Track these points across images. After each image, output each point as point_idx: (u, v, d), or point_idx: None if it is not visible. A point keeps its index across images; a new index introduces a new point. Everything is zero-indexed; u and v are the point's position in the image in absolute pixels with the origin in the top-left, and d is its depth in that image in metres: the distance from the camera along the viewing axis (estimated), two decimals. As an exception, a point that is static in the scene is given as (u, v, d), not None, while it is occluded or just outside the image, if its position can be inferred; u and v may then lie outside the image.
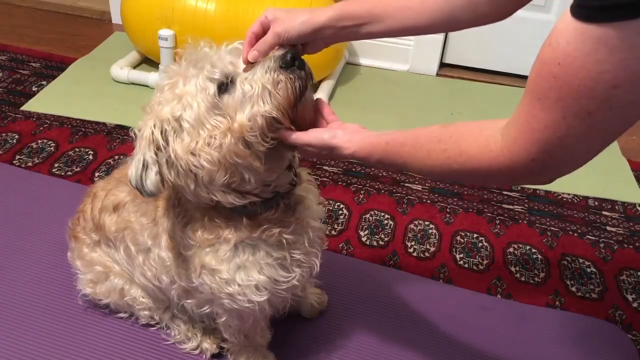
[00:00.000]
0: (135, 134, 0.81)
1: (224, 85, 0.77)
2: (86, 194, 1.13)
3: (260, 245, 0.87)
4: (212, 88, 0.76)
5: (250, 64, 0.79)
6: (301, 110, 0.80)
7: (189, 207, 0.89)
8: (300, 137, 0.81)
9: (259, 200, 0.85)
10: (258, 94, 0.76)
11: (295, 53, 0.78)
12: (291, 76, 0.77)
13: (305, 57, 0.82)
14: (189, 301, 0.98)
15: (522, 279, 1.34)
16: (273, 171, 0.83)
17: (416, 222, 1.49)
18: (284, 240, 0.88)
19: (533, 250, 1.42)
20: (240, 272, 0.87)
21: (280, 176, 0.85)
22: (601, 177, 1.71)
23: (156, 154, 0.78)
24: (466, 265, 1.37)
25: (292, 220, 0.89)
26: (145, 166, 0.78)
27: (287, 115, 0.78)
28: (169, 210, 0.93)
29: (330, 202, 1.54)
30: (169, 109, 0.78)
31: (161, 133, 0.78)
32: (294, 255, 0.90)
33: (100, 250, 1.09)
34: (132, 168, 0.80)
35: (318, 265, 0.95)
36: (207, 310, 0.97)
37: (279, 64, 0.77)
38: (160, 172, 0.79)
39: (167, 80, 0.80)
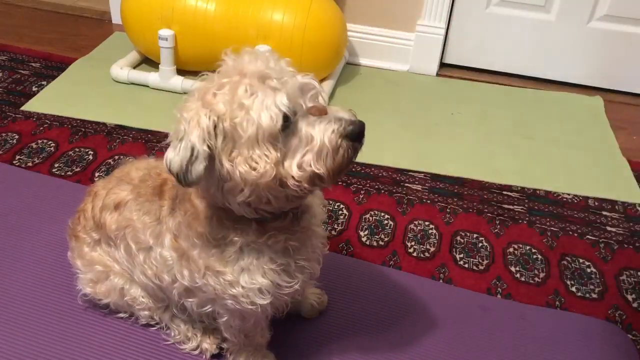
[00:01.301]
0: (182, 116, 0.77)
1: (288, 122, 0.76)
2: (86, 193, 1.13)
3: (265, 250, 0.88)
4: (281, 121, 0.74)
5: (317, 109, 0.79)
6: (342, 173, 0.82)
7: (199, 205, 0.88)
8: None
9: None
10: (317, 149, 0.77)
11: (363, 128, 0.79)
12: (352, 147, 0.78)
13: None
14: (190, 300, 0.98)
15: (522, 279, 1.34)
16: (297, 204, 0.86)
17: (416, 222, 1.49)
18: (290, 248, 0.89)
19: (533, 250, 1.42)
20: (244, 274, 0.88)
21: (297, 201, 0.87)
22: (601, 177, 1.71)
23: (210, 148, 0.76)
24: (466, 265, 1.37)
25: (298, 228, 0.89)
26: (194, 156, 0.75)
27: (331, 177, 0.79)
28: (176, 209, 0.93)
29: (330, 202, 1.54)
30: (228, 110, 0.75)
31: (214, 128, 0.76)
32: (297, 262, 0.90)
33: (101, 250, 1.09)
34: (178, 152, 0.76)
35: (319, 270, 0.97)
36: (209, 310, 0.97)
37: (346, 132, 0.77)
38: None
39: (225, 75, 0.78)
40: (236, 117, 0.75)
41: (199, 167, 0.75)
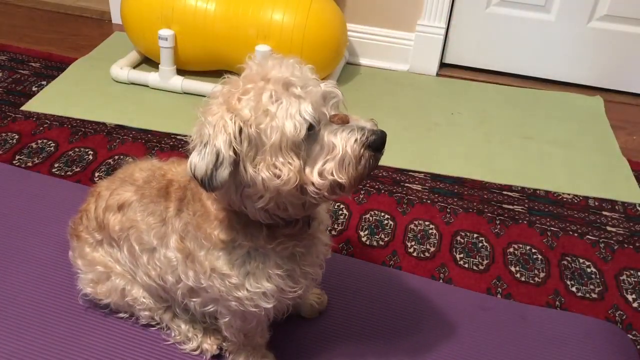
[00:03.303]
0: (206, 120, 0.76)
1: (312, 130, 0.76)
2: (89, 193, 1.12)
3: (272, 255, 0.88)
4: (305, 130, 0.74)
5: (339, 118, 0.79)
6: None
7: (210, 206, 0.89)
8: None
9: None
10: (339, 158, 0.77)
11: (385, 137, 0.79)
12: (373, 156, 0.79)
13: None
14: (194, 300, 0.99)
15: (522, 279, 1.34)
16: (311, 211, 0.86)
17: (416, 222, 1.49)
18: (297, 254, 0.89)
19: (533, 250, 1.42)
20: (249, 278, 0.88)
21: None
22: (601, 177, 1.71)
23: (235, 153, 0.75)
24: (466, 265, 1.37)
25: (306, 236, 0.90)
26: (219, 161, 0.75)
27: (352, 186, 0.79)
28: (183, 210, 0.93)
29: (331, 202, 1.54)
30: (253, 116, 0.75)
31: (239, 133, 0.75)
32: (302, 267, 0.91)
33: (102, 250, 1.09)
34: (203, 157, 0.75)
35: (321, 275, 0.97)
36: (211, 309, 0.98)
37: (369, 142, 0.78)
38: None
39: (249, 80, 0.78)
40: (261, 123, 0.75)
41: (224, 172, 0.75)
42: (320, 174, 0.77)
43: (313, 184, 0.77)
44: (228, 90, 0.78)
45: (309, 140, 0.77)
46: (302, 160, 0.76)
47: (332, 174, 0.77)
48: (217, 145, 0.74)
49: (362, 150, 0.78)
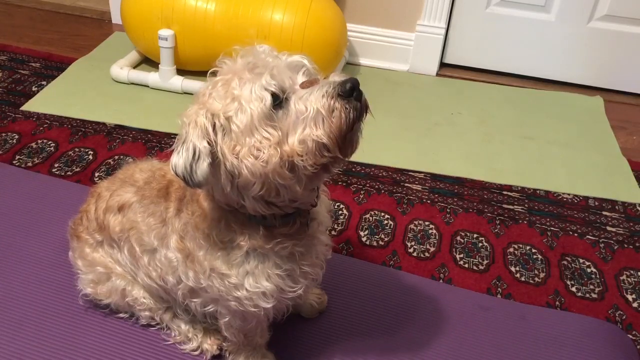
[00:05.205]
0: (182, 121, 0.79)
1: (279, 100, 0.76)
2: (90, 194, 1.12)
3: (271, 255, 0.88)
4: (269, 99, 0.75)
5: (308, 82, 0.78)
6: (349, 140, 0.78)
7: (206, 207, 0.89)
8: None
9: (279, 214, 0.85)
10: (311, 117, 0.75)
11: (355, 83, 0.76)
12: (347, 106, 0.75)
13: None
14: (194, 300, 0.99)
15: (522, 279, 1.34)
16: (307, 191, 0.84)
17: (416, 222, 1.49)
18: (296, 254, 0.89)
19: (533, 250, 1.42)
20: (248, 277, 0.88)
21: (308, 194, 0.86)
22: (601, 177, 1.71)
23: (209, 145, 0.76)
24: (466, 265, 1.37)
25: (304, 236, 0.89)
26: (196, 155, 0.76)
27: (337, 144, 0.76)
28: (182, 210, 0.93)
29: (331, 202, 1.54)
30: (221, 106, 0.77)
31: (212, 126, 0.77)
32: (302, 267, 0.91)
33: (103, 251, 1.09)
34: (181, 155, 0.77)
35: (321, 275, 0.97)
36: (211, 309, 0.98)
37: (337, 92, 0.75)
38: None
39: (220, 76, 0.80)
40: (230, 110, 0.76)
41: (202, 165, 0.76)
42: (301, 141, 0.75)
43: (297, 153, 0.75)
44: (201, 90, 0.81)
45: (282, 112, 0.76)
46: (279, 132, 0.75)
47: (309, 136, 0.75)
48: (193, 141, 0.76)
49: (331, 101, 0.75)
